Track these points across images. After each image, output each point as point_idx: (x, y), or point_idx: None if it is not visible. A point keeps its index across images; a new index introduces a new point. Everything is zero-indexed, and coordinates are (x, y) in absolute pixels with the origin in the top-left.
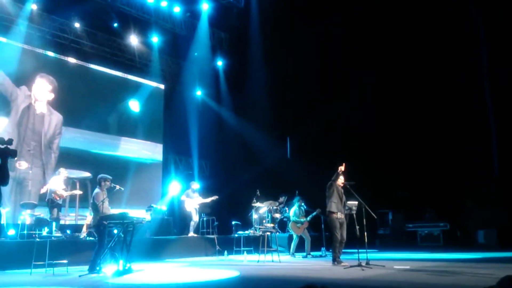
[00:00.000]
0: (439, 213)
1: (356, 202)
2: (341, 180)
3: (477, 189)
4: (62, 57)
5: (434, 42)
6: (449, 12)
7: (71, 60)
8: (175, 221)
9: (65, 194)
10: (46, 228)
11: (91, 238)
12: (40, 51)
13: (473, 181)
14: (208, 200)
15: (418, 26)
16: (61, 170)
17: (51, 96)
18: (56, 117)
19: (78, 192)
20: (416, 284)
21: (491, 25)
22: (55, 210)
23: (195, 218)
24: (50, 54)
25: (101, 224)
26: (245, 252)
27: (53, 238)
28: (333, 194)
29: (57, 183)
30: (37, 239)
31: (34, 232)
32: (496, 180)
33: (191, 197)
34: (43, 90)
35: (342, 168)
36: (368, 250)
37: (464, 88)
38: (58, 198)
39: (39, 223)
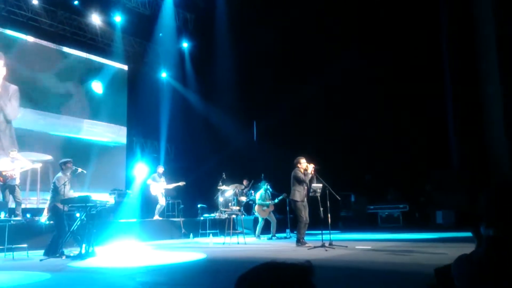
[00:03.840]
0: (400, 194)
1: (321, 185)
2: (304, 165)
3: (437, 174)
4: (20, 35)
5: (399, 33)
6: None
7: (29, 38)
8: (140, 204)
9: (8, 174)
10: (2, 212)
11: (51, 222)
12: None
13: (433, 167)
14: (174, 185)
15: (387, 11)
16: (10, 151)
17: (4, 71)
18: (12, 89)
19: (24, 167)
20: (377, 263)
21: (452, 16)
22: (6, 193)
23: (162, 201)
24: (7, 32)
25: (58, 208)
26: (211, 234)
27: (12, 222)
28: (296, 182)
29: (2, 164)
30: None
31: None
32: (454, 167)
33: (157, 181)
34: None
35: (302, 162)
36: (331, 231)
37: (425, 77)
38: (3, 181)
39: None
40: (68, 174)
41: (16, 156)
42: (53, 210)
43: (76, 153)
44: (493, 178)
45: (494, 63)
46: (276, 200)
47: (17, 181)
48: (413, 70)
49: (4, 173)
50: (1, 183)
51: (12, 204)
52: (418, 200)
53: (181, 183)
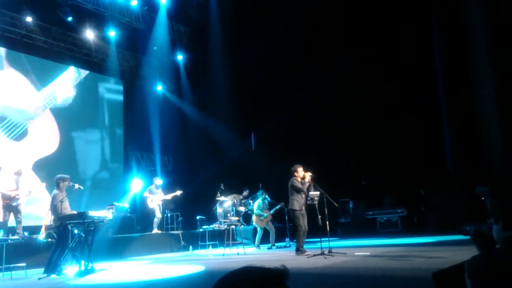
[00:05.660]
0: (396, 199)
1: (318, 193)
2: (301, 174)
3: (432, 179)
4: (14, 52)
5: (392, 38)
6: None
7: (24, 55)
8: (138, 218)
9: (12, 194)
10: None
11: (50, 240)
12: None
13: (428, 172)
14: (171, 195)
15: (378, 20)
16: (15, 171)
17: None
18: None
19: (26, 192)
20: (376, 269)
21: (443, 20)
22: (6, 213)
23: (158, 214)
24: (2, 49)
25: (62, 225)
26: (210, 246)
27: (9, 241)
28: (294, 191)
29: (5, 182)
30: None
31: None
32: (449, 172)
33: (154, 194)
34: None
35: (299, 171)
36: (330, 239)
37: (418, 81)
38: (6, 201)
39: None
40: (64, 190)
41: (19, 176)
42: (57, 228)
43: (72, 168)
44: (488, 179)
45: (486, 64)
46: (272, 211)
47: (20, 201)
48: (407, 74)
49: (7, 194)
50: (4, 204)
51: (13, 222)
52: (415, 205)
53: (178, 192)
